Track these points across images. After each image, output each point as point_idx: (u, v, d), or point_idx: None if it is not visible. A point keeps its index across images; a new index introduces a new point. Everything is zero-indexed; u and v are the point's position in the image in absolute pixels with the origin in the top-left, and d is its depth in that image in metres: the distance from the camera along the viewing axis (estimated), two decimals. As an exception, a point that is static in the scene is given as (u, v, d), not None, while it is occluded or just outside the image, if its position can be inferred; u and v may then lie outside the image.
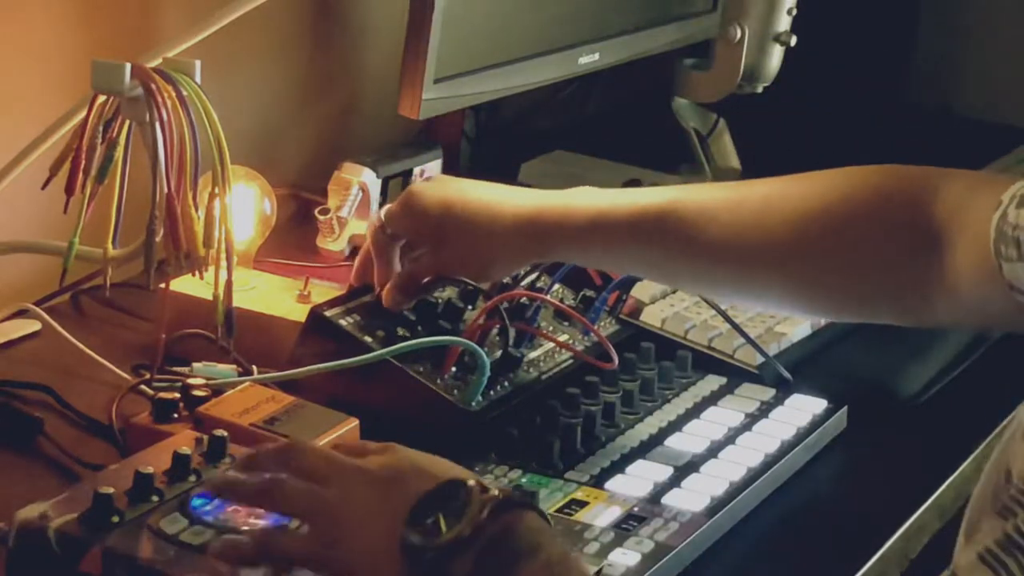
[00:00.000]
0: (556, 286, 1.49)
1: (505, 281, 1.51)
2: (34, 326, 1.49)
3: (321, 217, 1.72)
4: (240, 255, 1.46)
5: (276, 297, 1.49)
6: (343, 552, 0.97)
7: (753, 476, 1.28)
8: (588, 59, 1.90)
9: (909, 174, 1.22)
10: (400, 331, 1.37)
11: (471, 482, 0.97)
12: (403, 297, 1.36)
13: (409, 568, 0.95)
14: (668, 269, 1.30)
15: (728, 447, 1.33)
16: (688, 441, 1.33)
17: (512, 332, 1.38)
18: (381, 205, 1.74)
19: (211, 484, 1.05)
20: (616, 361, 1.38)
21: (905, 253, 1.17)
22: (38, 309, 1.50)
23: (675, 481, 1.26)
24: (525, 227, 1.30)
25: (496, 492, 0.96)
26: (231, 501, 1.04)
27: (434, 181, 1.38)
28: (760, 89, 2.17)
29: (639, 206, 1.27)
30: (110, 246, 1.38)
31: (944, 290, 1.15)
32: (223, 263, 1.36)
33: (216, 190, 1.35)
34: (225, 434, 1.15)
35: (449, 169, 1.86)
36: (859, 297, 1.23)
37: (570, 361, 1.42)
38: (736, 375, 1.46)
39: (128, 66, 1.31)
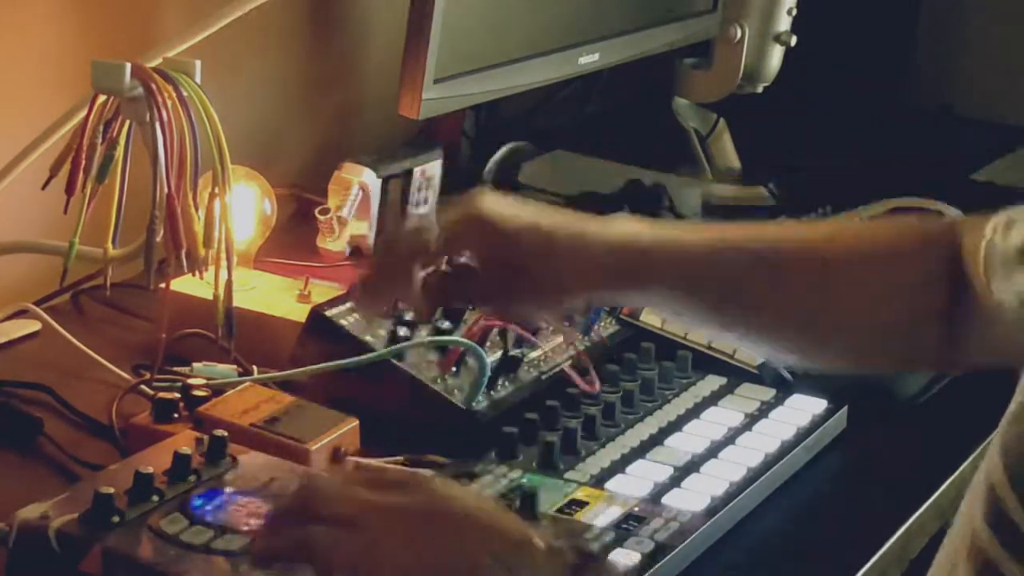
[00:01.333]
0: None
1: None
2: (34, 326, 1.49)
3: (321, 217, 1.72)
4: (240, 255, 1.46)
5: (276, 297, 1.49)
6: None
7: (753, 476, 1.28)
8: (588, 59, 1.90)
9: (933, 239, 1.16)
10: (400, 331, 1.37)
11: (537, 540, 0.92)
12: (432, 306, 1.18)
13: None
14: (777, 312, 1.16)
15: (728, 447, 1.33)
16: (688, 441, 1.33)
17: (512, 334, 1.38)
18: (381, 205, 1.75)
19: (252, 558, 0.99)
20: (598, 385, 1.37)
21: (935, 295, 1.11)
22: (38, 309, 1.50)
23: (675, 481, 1.26)
24: (624, 256, 1.12)
25: (566, 553, 0.93)
26: (271, 568, 0.97)
27: (492, 198, 1.16)
28: (760, 89, 2.17)
29: (760, 238, 1.16)
30: (110, 246, 1.38)
31: (965, 330, 1.11)
32: (223, 263, 1.37)
33: (216, 190, 1.35)
34: (225, 434, 1.15)
35: (449, 169, 1.86)
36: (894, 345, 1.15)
37: (570, 361, 1.42)
38: (736, 375, 1.46)
39: (128, 66, 1.32)
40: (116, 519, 1.04)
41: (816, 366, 1.23)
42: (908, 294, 1.12)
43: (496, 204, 1.13)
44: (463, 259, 1.13)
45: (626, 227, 1.13)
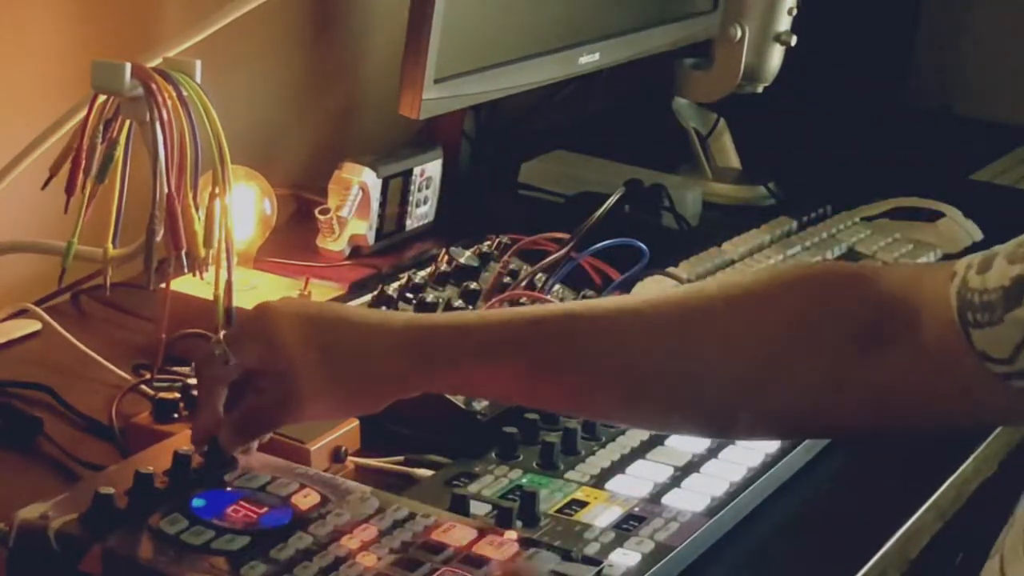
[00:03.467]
0: (556, 286, 1.49)
1: (505, 281, 1.51)
2: (34, 326, 1.49)
3: (321, 217, 1.72)
4: (240, 255, 1.46)
5: (276, 297, 1.49)
6: None
7: (753, 476, 1.28)
8: (588, 59, 1.90)
9: (834, 272, 1.09)
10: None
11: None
12: (243, 439, 1.12)
13: None
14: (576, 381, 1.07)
15: (728, 447, 1.33)
16: (688, 441, 1.33)
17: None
18: (381, 205, 1.75)
19: None
20: None
21: (842, 344, 1.02)
22: (38, 309, 1.50)
23: (675, 481, 1.26)
24: (413, 345, 1.07)
25: None
26: None
27: (287, 303, 1.12)
28: (760, 89, 2.17)
29: (540, 313, 1.10)
30: (110, 246, 1.38)
31: (893, 384, 1.02)
32: (223, 263, 1.37)
33: (216, 190, 1.35)
34: (225, 434, 1.15)
35: (449, 169, 1.86)
36: (787, 406, 1.05)
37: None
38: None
39: (128, 66, 1.31)
40: (116, 519, 1.04)
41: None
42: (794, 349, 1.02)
43: (290, 304, 1.10)
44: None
45: (429, 318, 1.09)
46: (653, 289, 1.57)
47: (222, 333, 1.11)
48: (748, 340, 1.03)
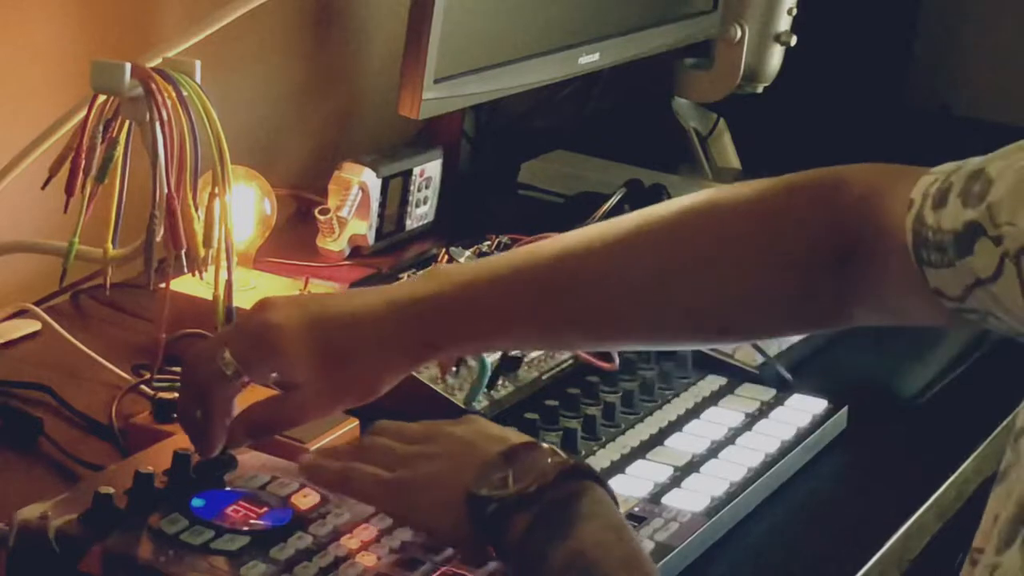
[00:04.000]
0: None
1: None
2: (34, 326, 1.49)
3: (321, 217, 1.72)
4: (240, 255, 1.46)
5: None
6: (414, 513, 1.04)
7: (753, 476, 1.28)
8: (588, 59, 1.90)
9: (810, 176, 1.15)
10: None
11: (544, 446, 1.01)
12: (247, 439, 1.13)
13: (471, 521, 0.99)
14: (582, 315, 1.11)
15: (728, 447, 1.33)
16: (688, 441, 1.33)
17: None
18: (381, 205, 1.75)
19: (300, 466, 1.09)
20: (617, 362, 1.38)
21: (819, 264, 1.08)
22: (38, 309, 1.50)
23: (675, 481, 1.26)
24: (403, 333, 1.09)
25: (567, 459, 1.00)
26: (312, 485, 1.09)
27: (276, 306, 1.10)
28: (760, 89, 2.17)
29: (529, 262, 1.11)
30: (110, 246, 1.38)
31: (862, 296, 1.08)
32: (223, 263, 1.36)
33: (216, 190, 1.35)
34: (225, 434, 1.15)
35: (449, 169, 1.86)
36: (766, 309, 1.10)
37: (570, 361, 1.42)
38: (736, 375, 1.46)
39: (128, 66, 1.31)
40: (116, 519, 1.04)
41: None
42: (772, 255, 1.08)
43: (282, 309, 1.09)
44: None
45: (418, 286, 1.10)
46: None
47: (227, 352, 1.08)
48: (707, 252, 1.09)
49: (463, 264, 1.15)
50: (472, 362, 1.35)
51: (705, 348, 1.29)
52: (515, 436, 1.04)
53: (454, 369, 1.34)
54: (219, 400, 1.09)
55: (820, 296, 1.08)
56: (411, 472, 1.03)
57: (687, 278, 1.09)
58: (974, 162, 1.00)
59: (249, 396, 1.26)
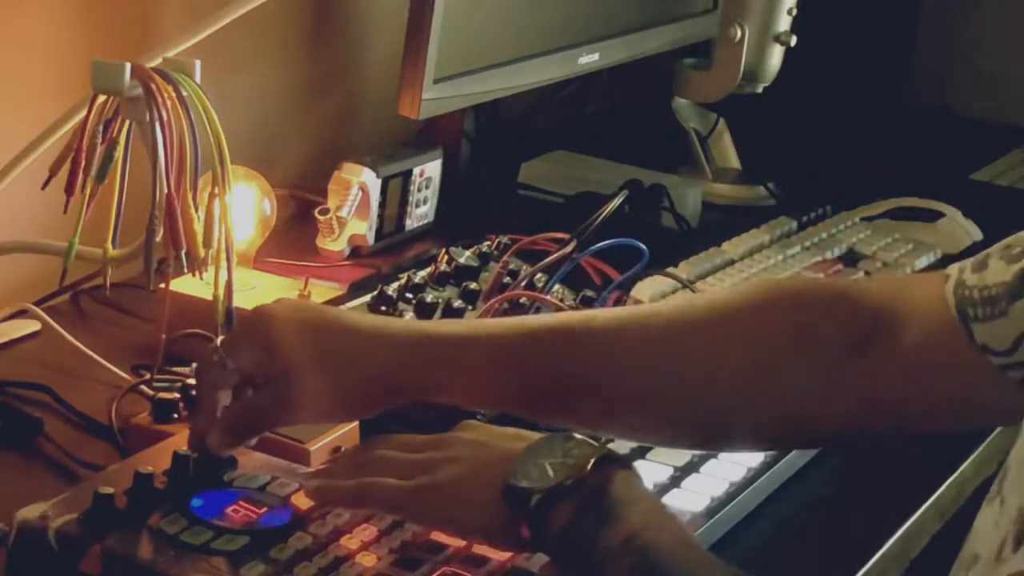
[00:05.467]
0: (556, 286, 1.49)
1: (505, 281, 1.51)
2: (34, 326, 1.49)
3: (321, 217, 1.72)
4: (240, 255, 1.46)
5: (276, 297, 1.48)
6: (446, 514, 1.03)
7: (753, 476, 1.28)
8: (588, 59, 1.90)
9: (817, 283, 1.15)
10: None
11: (575, 436, 1.01)
12: (234, 439, 1.11)
13: (512, 516, 0.99)
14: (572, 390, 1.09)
15: (728, 447, 1.33)
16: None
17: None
18: (381, 205, 1.75)
19: (309, 492, 1.07)
20: None
21: (834, 348, 1.05)
22: (38, 309, 1.50)
23: (675, 481, 1.26)
24: (409, 354, 1.08)
25: (600, 446, 1.00)
26: (330, 506, 1.07)
27: (284, 306, 1.11)
28: (760, 89, 2.17)
29: (536, 326, 1.10)
30: (110, 246, 1.38)
31: (889, 382, 1.04)
32: (223, 263, 1.36)
33: (216, 190, 1.35)
34: (225, 434, 1.15)
35: (449, 169, 1.86)
36: (776, 415, 1.07)
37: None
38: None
39: (128, 66, 1.31)
40: (116, 519, 1.04)
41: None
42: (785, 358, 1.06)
43: (288, 308, 1.10)
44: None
45: (430, 325, 1.11)
46: (651, 290, 1.57)
47: (220, 339, 1.11)
48: (736, 353, 1.06)
49: (469, 321, 1.15)
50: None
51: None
52: (525, 433, 1.05)
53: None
54: (205, 385, 1.11)
55: (840, 387, 1.05)
56: (433, 476, 1.03)
57: (677, 361, 1.07)
58: (999, 244, 1.02)
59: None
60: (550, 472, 0.98)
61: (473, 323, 1.13)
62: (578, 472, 0.98)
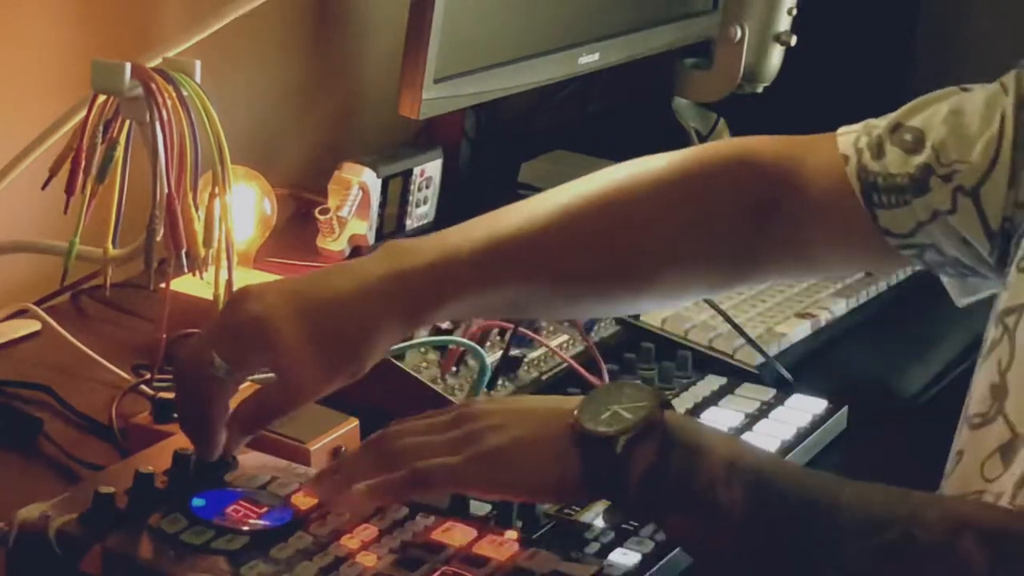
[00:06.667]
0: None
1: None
2: (34, 326, 1.49)
3: (321, 217, 1.72)
4: (240, 255, 1.46)
5: (276, 297, 1.49)
6: (512, 478, 1.02)
7: (753, 476, 1.28)
8: (588, 59, 1.90)
9: (720, 149, 1.26)
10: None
11: (627, 382, 1.07)
12: (244, 436, 1.12)
13: (591, 465, 0.99)
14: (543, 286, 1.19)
15: (728, 447, 1.32)
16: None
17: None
18: (381, 205, 1.75)
19: (353, 499, 1.05)
20: (606, 379, 1.38)
21: (742, 219, 1.20)
22: (38, 309, 1.50)
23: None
24: (391, 297, 1.10)
25: (654, 389, 1.03)
26: (384, 503, 1.07)
27: (256, 296, 1.09)
28: (760, 89, 2.17)
29: (497, 236, 1.19)
30: (110, 246, 1.38)
31: (784, 247, 1.20)
32: (223, 263, 1.37)
33: (216, 190, 1.35)
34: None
35: (449, 169, 1.86)
36: (711, 266, 1.22)
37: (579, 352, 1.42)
38: (736, 375, 1.46)
39: (128, 66, 1.32)
40: (116, 519, 1.04)
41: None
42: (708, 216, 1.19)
43: (264, 297, 1.09)
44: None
45: (400, 256, 1.13)
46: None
47: (216, 357, 1.07)
48: (668, 219, 1.19)
49: (426, 237, 1.18)
50: (472, 362, 1.35)
51: (631, 307, 1.36)
52: (544, 397, 1.10)
53: (454, 369, 1.35)
54: (217, 403, 1.09)
55: (737, 252, 1.20)
56: (481, 446, 1.02)
57: (623, 240, 1.18)
58: (881, 121, 1.19)
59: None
60: (627, 415, 0.99)
61: (443, 247, 1.16)
62: (653, 414, 0.99)
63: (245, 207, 1.56)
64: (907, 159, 1.14)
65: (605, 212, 1.18)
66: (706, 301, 1.53)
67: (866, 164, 1.16)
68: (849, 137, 1.20)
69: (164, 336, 1.38)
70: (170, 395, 1.27)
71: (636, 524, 1.17)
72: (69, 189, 1.34)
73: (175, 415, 1.26)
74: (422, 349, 1.35)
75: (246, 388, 1.19)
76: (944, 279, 1.21)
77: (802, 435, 1.36)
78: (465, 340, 1.34)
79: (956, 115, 1.15)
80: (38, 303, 1.52)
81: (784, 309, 1.62)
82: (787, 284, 1.69)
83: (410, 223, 1.81)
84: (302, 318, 1.08)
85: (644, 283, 1.20)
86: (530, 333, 1.41)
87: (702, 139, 2.17)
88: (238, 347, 1.08)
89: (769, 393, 1.43)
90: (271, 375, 1.11)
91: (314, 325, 1.08)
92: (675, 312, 1.53)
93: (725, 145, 1.26)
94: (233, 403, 1.10)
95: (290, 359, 1.07)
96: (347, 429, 1.25)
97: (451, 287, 1.13)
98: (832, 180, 1.18)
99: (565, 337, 1.45)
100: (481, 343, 1.36)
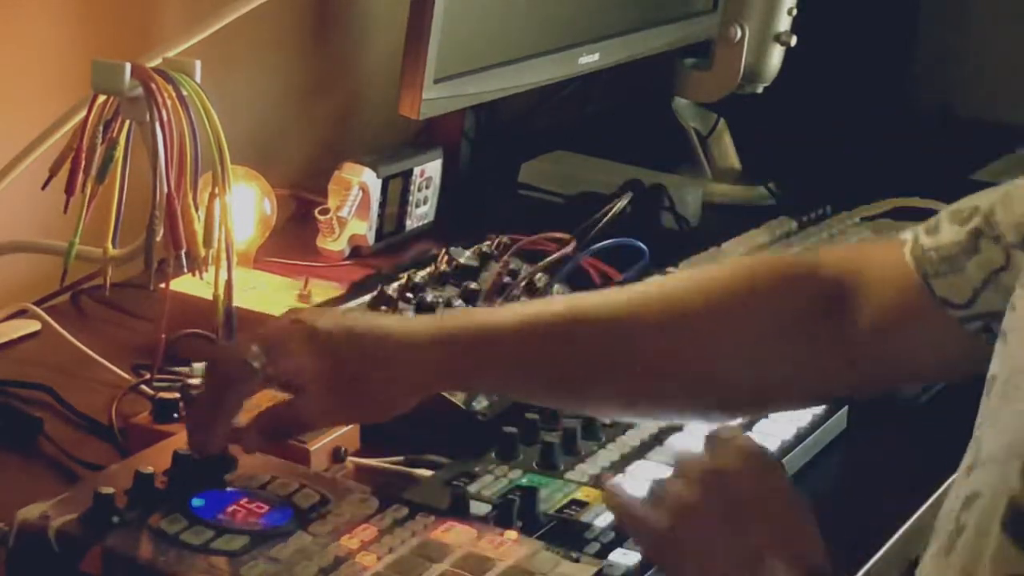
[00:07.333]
0: (556, 286, 1.49)
1: (505, 281, 1.51)
2: (34, 326, 1.49)
3: (321, 217, 1.72)
4: (240, 255, 1.46)
5: (276, 297, 1.49)
6: None
7: (753, 476, 1.28)
8: (588, 59, 1.90)
9: (778, 260, 1.24)
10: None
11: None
12: (267, 442, 1.14)
13: None
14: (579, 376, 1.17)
15: (728, 447, 1.32)
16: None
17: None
18: (381, 205, 1.75)
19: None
20: None
21: (811, 320, 1.15)
22: (38, 309, 1.50)
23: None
24: (438, 360, 1.13)
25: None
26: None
27: (309, 310, 1.17)
28: (760, 89, 2.17)
29: (553, 313, 1.17)
30: (110, 246, 1.38)
31: (862, 343, 1.14)
32: (223, 263, 1.37)
33: (216, 190, 1.35)
34: (225, 434, 1.15)
35: (449, 169, 1.86)
36: (777, 383, 1.17)
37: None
38: (736, 375, 1.46)
39: (128, 66, 1.32)
40: (116, 519, 1.04)
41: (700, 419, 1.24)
42: (772, 334, 1.15)
43: (316, 315, 1.14)
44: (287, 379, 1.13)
45: (456, 319, 1.16)
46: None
47: (254, 346, 1.10)
48: (728, 336, 1.15)
49: (484, 309, 1.24)
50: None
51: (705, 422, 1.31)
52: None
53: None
54: (234, 394, 1.11)
55: (820, 354, 1.14)
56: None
57: (683, 346, 1.15)
58: (946, 210, 1.12)
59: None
60: None
61: (490, 317, 1.17)
62: None
63: (245, 207, 1.56)
64: (959, 229, 1.11)
65: (670, 335, 1.15)
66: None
67: (922, 242, 1.12)
68: (908, 231, 1.16)
69: (164, 336, 1.38)
70: (170, 395, 1.27)
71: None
72: (69, 189, 1.34)
73: (175, 414, 1.26)
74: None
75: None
76: None
77: (802, 435, 1.36)
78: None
79: (1007, 189, 1.10)
80: (38, 303, 1.52)
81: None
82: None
83: (410, 223, 1.81)
84: (342, 336, 1.11)
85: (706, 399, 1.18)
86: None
87: (702, 139, 2.17)
88: (278, 341, 1.11)
89: (769, 393, 1.43)
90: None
91: (349, 348, 1.11)
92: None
93: (781, 259, 1.25)
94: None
95: (317, 370, 1.10)
96: (347, 429, 1.25)
97: (490, 357, 1.14)
98: (891, 267, 1.13)
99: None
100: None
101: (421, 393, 1.14)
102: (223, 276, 1.37)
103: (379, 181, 1.74)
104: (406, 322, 1.19)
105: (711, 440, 1.01)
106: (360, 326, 1.13)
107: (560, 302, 1.20)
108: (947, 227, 1.11)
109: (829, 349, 1.14)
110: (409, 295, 1.45)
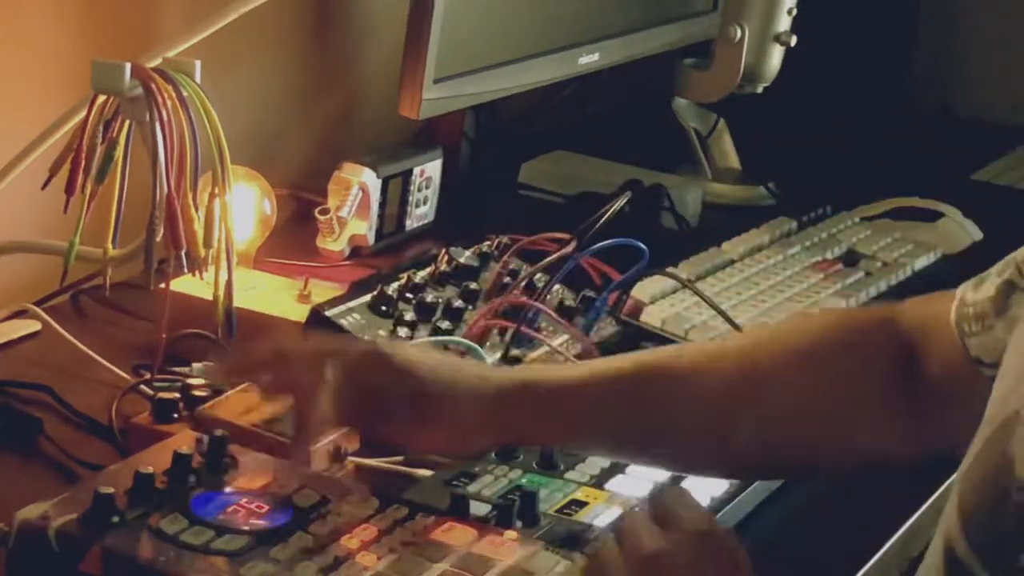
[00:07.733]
0: (556, 286, 1.49)
1: (505, 281, 1.51)
2: (34, 326, 1.49)
3: (321, 217, 1.72)
4: (240, 255, 1.46)
5: (276, 297, 1.49)
6: None
7: (753, 476, 1.28)
8: (588, 59, 1.90)
9: (865, 313, 1.25)
10: (400, 331, 1.37)
11: None
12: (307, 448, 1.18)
13: None
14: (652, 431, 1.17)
15: (728, 447, 1.32)
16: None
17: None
18: (381, 205, 1.75)
19: None
20: None
21: (889, 380, 1.14)
22: (38, 309, 1.50)
23: (675, 481, 1.26)
24: (502, 415, 1.14)
25: None
26: None
27: (393, 343, 1.22)
28: (760, 89, 2.17)
29: (619, 368, 1.17)
30: (110, 246, 1.38)
31: (932, 403, 1.13)
32: (223, 263, 1.37)
33: (216, 190, 1.35)
34: (225, 434, 1.15)
35: (449, 169, 1.86)
36: (856, 440, 1.16)
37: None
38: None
39: (128, 66, 1.32)
40: (116, 519, 1.04)
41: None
42: (844, 388, 1.13)
43: (399, 346, 1.16)
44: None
45: (527, 372, 1.18)
46: (652, 290, 1.57)
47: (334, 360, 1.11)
48: (809, 395, 1.13)
49: (557, 365, 1.25)
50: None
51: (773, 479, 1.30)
52: None
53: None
54: (315, 406, 1.09)
55: (896, 415, 1.13)
56: None
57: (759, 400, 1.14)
58: (999, 263, 1.09)
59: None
60: None
61: (565, 371, 1.19)
62: None
63: (245, 207, 1.56)
64: (996, 281, 1.08)
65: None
66: (706, 300, 1.53)
67: (965, 298, 1.09)
68: (971, 280, 1.13)
69: (164, 336, 1.38)
70: (170, 395, 1.28)
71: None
72: (69, 189, 1.34)
73: (175, 415, 1.26)
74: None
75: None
76: None
77: (802, 435, 1.36)
78: (465, 340, 1.34)
79: None
80: (38, 303, 1.52)
81: (784, 309, 1.62)
82: (787, 284, 1.70)
83: (410, 223, 1.81)
84: (419, 366, 1.12)
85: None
86: (531, 332, 1.41)
87: (702, 139, 2.17)
88: (363, 361, 1.11)
89: (769, 393, 1.42)
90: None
91: (425, 378, 1.11)
92: (675, 312, 1.53)
93: (864, 312, 1.25)
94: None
95: (392, 392, 1.11)
96: (347, 429, 1.25)
97: (562, 410, 1.14)
98: (945, 327, 1.10)
99: (566, 337, 1.45)
100: (481, 343, 1.36)
101: (490, 437, 1.15)
102: (223, 276, 1.37)
103: (379, 181, 1.74)
104: (480, 365, 1.20)
105: (657, 504, 0.97)
106: (439, 361, 1.14)
107: (635, 356, 1.19)
108: (990, 280, 1.08)
109: (898, 408, 1.13)
110: (409, 295, 1.46)
